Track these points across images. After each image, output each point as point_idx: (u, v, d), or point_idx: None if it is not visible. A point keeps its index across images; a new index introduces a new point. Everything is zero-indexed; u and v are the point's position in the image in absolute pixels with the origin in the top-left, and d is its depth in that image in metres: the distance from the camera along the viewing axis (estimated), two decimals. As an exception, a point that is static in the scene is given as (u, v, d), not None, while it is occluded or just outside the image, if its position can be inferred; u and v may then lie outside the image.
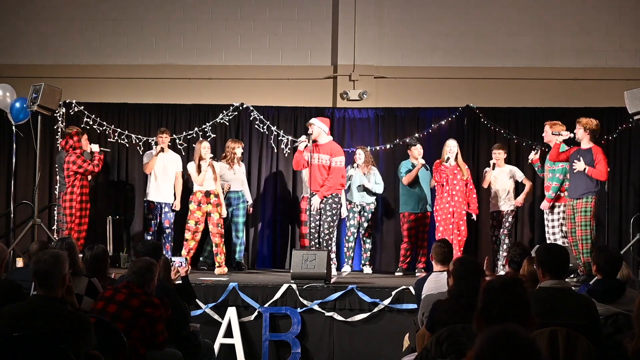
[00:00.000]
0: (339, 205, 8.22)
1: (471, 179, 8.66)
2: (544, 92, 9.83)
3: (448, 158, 8.39)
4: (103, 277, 5.40)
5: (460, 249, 8.33)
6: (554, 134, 7.67)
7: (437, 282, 5.54)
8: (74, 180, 8.24)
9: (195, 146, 8.59)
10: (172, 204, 9.01)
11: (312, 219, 7.88)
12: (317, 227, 7.88)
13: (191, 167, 8.42)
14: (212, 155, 8.49)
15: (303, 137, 8.04)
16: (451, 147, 8.47)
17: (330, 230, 7.98)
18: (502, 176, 8.64)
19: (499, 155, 8.68)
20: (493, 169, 8.70)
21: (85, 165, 8.23)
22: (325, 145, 8.02)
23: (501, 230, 8.47)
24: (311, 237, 7.87)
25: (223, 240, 8.33)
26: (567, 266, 4.25)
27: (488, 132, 9.63)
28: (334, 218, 7.99)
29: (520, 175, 8.73)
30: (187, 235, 8.27)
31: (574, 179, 7.46)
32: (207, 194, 8.31)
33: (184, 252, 8.23)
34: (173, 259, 6.11)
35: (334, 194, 7.97)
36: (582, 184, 7.33)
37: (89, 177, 8.57)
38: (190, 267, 8.27)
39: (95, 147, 8.49)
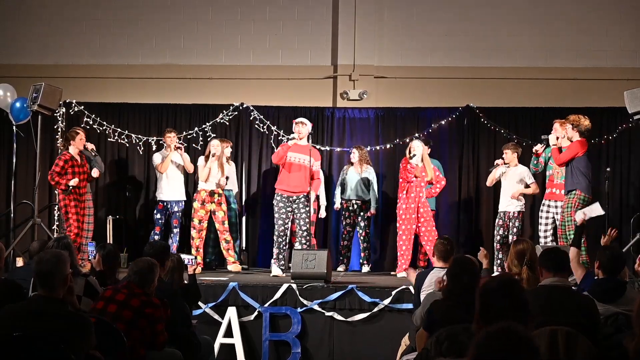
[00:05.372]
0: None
1: (438, 175, 8.55)
2: (544, 92, 9.84)
3: (414, 155, 8.23)
4: (112, 275, 5.40)
5: (431, 248, 8.32)
6: (543, 140, 7.90)
7: (439, 277, 5.55)
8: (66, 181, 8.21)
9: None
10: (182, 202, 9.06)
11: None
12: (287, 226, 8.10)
13: (200, 162, 8.60)
14: (215, 153, 8.57)
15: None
16: (415, 147, 8.36)
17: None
18: (512, 176, 8.54)
19: (504, 155, 8.57)
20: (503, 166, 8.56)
21: (57, 178, 8.18)
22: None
23: (509, 235, 8.39)
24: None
25: (232, 237, 8.54)
26: (566, 264, 4.31)
27: (488, 132, 9.63)
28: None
29: (528, 179, 8.52)
30: (193, 233, 8.43)
31: (565, 177, 7.63)
32: (212, 193, 8.41)
33: (193, 251, 8.36)
34: (182, 257, 6.08)
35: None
36: (568, 180, 7.55)
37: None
38: (202, 265, 8.37)
39: (90, 145, 8.50)
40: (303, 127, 8.12)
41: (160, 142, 9.38)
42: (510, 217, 8.41)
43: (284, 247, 8.15)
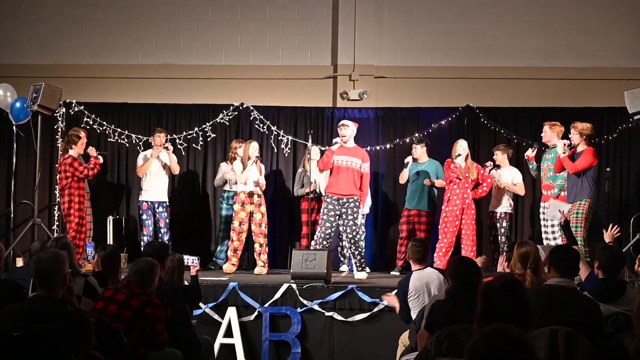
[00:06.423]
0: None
1: (482, 174, 8.62)
2: (544, 92, 9.83)
3: (458, 155, 8.27)
4: (114, 276, 5.40)
5: (473, 248, 8.29)
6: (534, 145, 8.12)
7: (421, 279, 5.61)
8: (70, 181, 8.22)
9: (243, 146, 8.61)
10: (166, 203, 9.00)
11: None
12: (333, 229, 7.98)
13: (237, 166, 8.48)
14: (258, 155, 8.49)
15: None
16: (464, 147, 8.35)
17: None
18: (502, 177, 8.58)
19: (495, 156, 8.64)
20: (493, 168, 8.63)
21: (81, 168, 8.22)
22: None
23: (499, 236, 8.42)
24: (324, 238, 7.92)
25: (267, 240, 8.45)
26: (575, 266, 4.27)
27: (488, 132, 9.63)
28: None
29: (516, 179, 8.59)
30: (233, 235, 8.35)
31: (570, 183, 7.53)
32: (251, 194, 8.35)
33: (230, 253, 8.36)
34: (184, 257, 6.07)
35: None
36: (576, 187, 7.43)
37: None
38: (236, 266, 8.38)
39: (93, 152, 8.49)
40: (346, 130, 8.02)
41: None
42: (497, 218, 8.46)
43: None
